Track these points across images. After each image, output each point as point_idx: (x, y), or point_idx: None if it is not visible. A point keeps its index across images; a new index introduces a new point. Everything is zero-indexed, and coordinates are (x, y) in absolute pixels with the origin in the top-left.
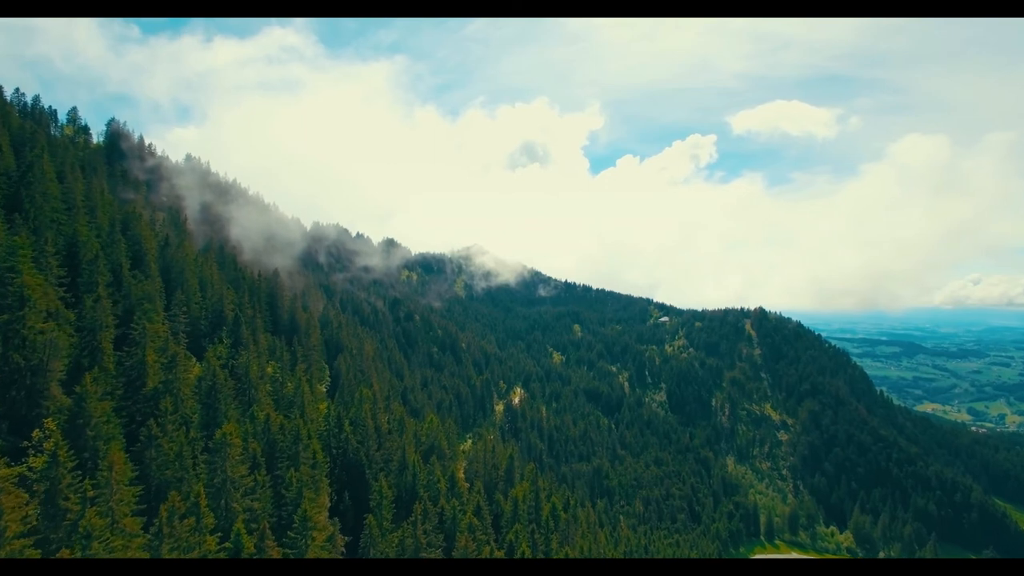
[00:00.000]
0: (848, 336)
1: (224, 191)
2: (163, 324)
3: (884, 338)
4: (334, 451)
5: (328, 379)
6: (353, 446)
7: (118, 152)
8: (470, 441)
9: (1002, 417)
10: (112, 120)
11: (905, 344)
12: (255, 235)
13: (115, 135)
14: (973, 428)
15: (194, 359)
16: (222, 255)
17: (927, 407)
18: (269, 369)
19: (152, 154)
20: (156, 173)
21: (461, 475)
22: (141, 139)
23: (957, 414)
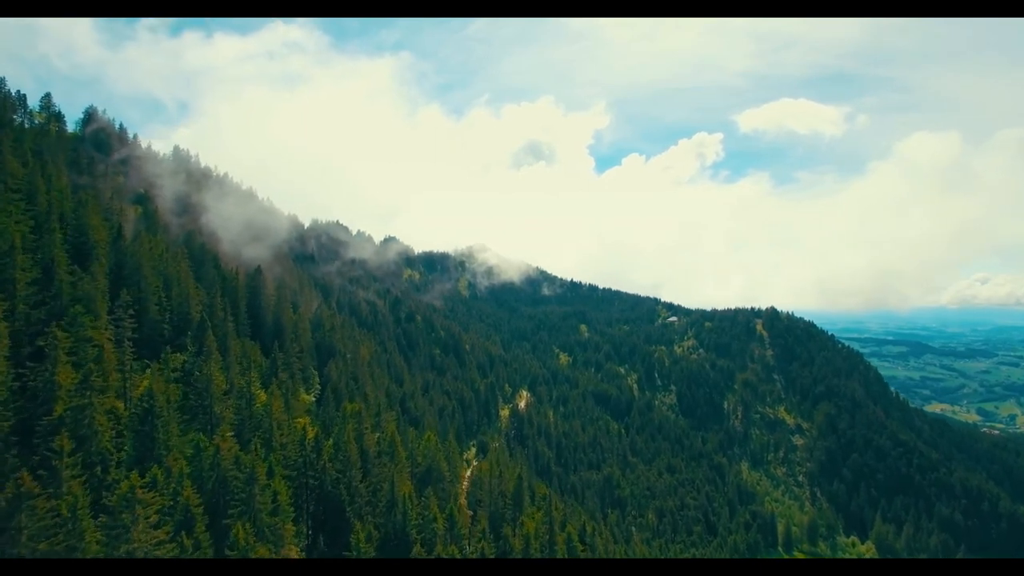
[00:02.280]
0: (854, 336)
1: (210, 183)
2: (106, 331)
3: (891, 338)
4: (311, 482)
5: (318, 387)
6: (332, 477)
7: (94, 141)
8: (474, 449)
9: (1013, 418)
10: (90, 108)
11: (912, 344)
12: (243, 230)
13: (91, 123)
14: (985, 429)
15: (150, 372)
16: (202, 250)
17: (935, 407)
18: (240, 382)
19: (132, 143)
20: (133, 163)
21: (463, 502)
22: (122, 128)
23: (966, 414)
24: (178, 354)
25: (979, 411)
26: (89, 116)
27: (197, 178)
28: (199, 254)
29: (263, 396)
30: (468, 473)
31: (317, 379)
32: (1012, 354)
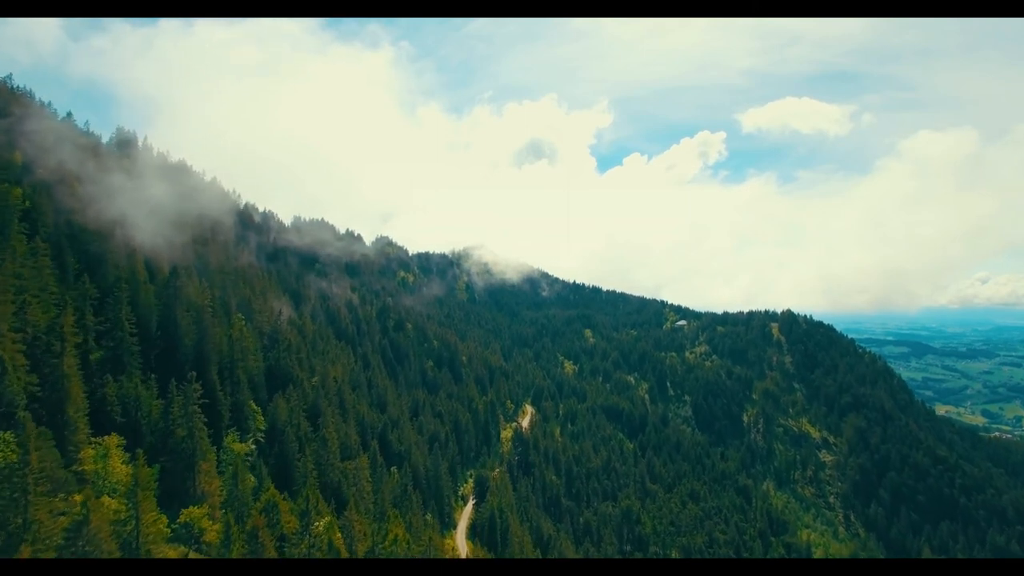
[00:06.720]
0: (855, 336)
1: (141, 161)
2: None
3: (891, 338)
4: None
5: (260, 432)
6: None
7: None
8: (471, 482)
9: (1018, 419)
10: None
11: (913, 344)
12: (183, 223)
13: None
14: (996, 433)
15: None
16: (103, 247)
17: (940, 409)
18: (87, 463)
19: (35, 113)
20: (31, 136)
21: None
22: (30, 94)
23: (971, 416)
24: None
25: (984, 413)
26: None
27: (115, 154)
28: (96, 252)
29: (123, 472)
30: (465, 514)
31: (262, 419)
32: (1013, 354)
